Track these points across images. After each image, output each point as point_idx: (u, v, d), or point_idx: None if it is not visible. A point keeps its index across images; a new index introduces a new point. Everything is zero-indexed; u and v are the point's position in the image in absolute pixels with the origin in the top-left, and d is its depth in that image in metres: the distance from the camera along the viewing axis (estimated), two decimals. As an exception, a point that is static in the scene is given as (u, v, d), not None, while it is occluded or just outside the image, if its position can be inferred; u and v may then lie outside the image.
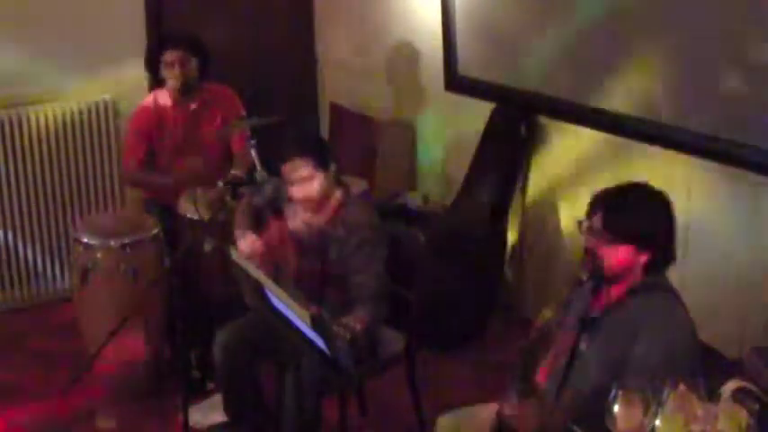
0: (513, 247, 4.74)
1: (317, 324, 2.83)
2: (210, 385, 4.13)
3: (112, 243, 4.01)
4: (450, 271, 4.47)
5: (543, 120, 4.50)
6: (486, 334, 4.60)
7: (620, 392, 2.24)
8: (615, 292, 2.68)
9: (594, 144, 4.25)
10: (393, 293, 3.53)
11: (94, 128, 4.99)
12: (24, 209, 4.91)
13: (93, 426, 3.99)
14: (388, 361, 3.66)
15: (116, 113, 5.00)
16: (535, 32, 4.42)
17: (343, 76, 5.60)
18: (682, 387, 2.18)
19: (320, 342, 2.92)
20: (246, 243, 3.57)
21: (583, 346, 2.68)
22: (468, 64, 4.78)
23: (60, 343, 4.51)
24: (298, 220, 3.63)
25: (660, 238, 2.63)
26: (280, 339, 3.35)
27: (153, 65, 4.41)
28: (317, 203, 3.51)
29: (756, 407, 2.18)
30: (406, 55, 5.16)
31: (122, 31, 5.00)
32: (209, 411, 3.96)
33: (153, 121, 4.41)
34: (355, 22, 5.48)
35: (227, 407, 3.74)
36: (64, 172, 4.97)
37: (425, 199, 5.00)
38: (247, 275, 3.21)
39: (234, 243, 3.60)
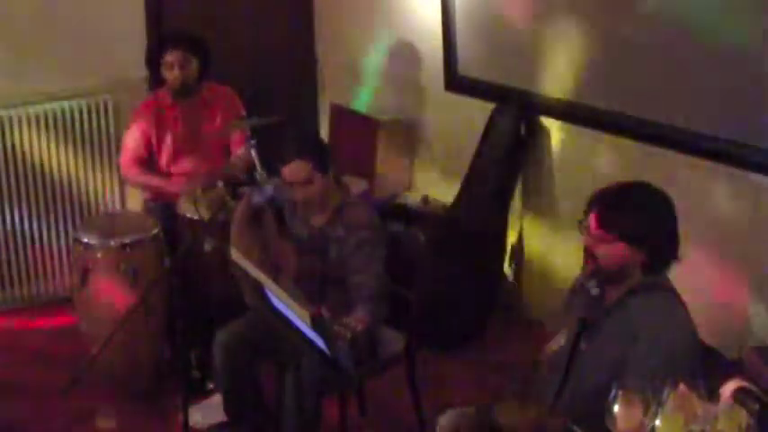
0: (513, 247, 4.74)
1: (316, 324, 2.84)
2: (210, 385, 4.13)
3: (112, 243, 4.01)
4: (451, 271, 4.47)
5: (543, 120, 4.50)
6: (486, 334, 4.60)
7: (620, 392, 2.24)
8: (615, 292, 2.68)
9: (595, 144, 4.25)
10: (393, 293, 3.53)
11: (94, 128, 4.98)
12: (24, 209, 4.91)
13: (93, 426, 3.99)
14: (388, 361, 3.66)
15: (116, 113, 4.99)
16: (535, 32, 4.42)
17: (343, 77, 5.60)
18: (682, 387, 2.18)
19: (320, 342, 2.92)
20: None
21: (583, 346, 2.68)
22: (468, 64, 4.78)
23: (60, 343, 4.51)
24: (297, 220, 3.63)
25: (657, 237, 2.62)
26: (280, 339, 3.35)
27: (153, 65, 4.41)
28: (317, 204, 3.51)
29: (756, 407, 2.18)
30: (406, 55, 5.16)
31: (122, 31, 4.99)
32: (209, 411, 3.96)
33: (153, 121, 4.41)
34: (355, 22, 5.48)
35: (227, 407, 3.74)
36: (64, 172, 4.96)
37: (425, 199, 5.00)
38: (247, 275, 3.21)
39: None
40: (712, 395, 2.21)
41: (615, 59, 4.02)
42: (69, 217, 5.00)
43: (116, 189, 5.10)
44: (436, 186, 5.13)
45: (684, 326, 2.60)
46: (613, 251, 2.61)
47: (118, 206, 5.12)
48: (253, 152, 4.20)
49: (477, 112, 4.73)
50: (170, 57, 4.30)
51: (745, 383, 2.28)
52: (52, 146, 4.90)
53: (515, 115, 4.54)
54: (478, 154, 4.69)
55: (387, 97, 5.34)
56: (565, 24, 4.24)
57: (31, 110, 4.82)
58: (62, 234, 4.99)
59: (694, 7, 3.64)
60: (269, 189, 3.76)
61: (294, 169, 3.43)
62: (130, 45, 4.99)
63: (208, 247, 3.85)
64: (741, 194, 3.66)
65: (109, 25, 4.94)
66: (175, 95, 4.39)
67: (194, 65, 4.34)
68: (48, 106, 4.85)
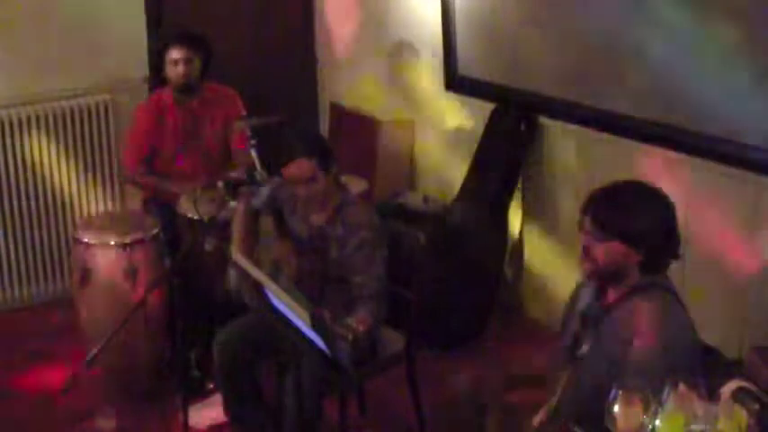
0: (513, 247, 4.74)
1: (316, 324, 2.83)
2: (210, 385, 4.13)
3: (112, 243, 4.01)
4: (451, 271, 4.47)
5: (543, 120, 4.50)
6: (486, 334, 4.60)
7: (620, 392, 2.24)
8: (614, 291, 2.68)
9: (594, 144, 4.25)
10: (393, 293, 3.53)
11: (94, 128, 4.98)
12: (24, 209, 4.91)
13: (93, 426, 3.99)
14: (388, 361, 3.66)
15: (116, 113, 4.99)
16: (535, 33, 4.41)
17: (343, 76, 5.60)
18: (682, 387, 2.18)
19: (320, 342, 2.92)
20: None
21: (583, 344, 2.68)
22: (468, 64, 4.78)
23: (60, 343, 4.51)
24: (297, 219, 3.63)
25: (654, 236, 2.61)
26: (280, 339, 3.35)
27: (157, 63, 4.42)
28: (318, 203, 3.51)
29: (756, 407, 2.18)
30: (407, 55, 5.16)
31: (122, 31, 5.00)
32: (210, 411, 3.96)
33: (154, 120, 4.41)
34: (355, 22, 5.48)
35: (227, 407, 3.74)
36: (64, 172, 4.97)
37: (425, 199, 5.00)
38: (247, 275, 3.21)
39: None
40: (712, 395, 2.20)
41: (615, 59, 4.02)
42: (69, 217, 5.00)
43: (116, 189, 5.11)
44: (436, 186, 5.13)
45: (683, 326, 2.59)
46: (610, 251, 2.61)
47: (118, 206, 5.12)
48: (253, 152, 4.20)
49: (477, 112, 4.73)
50: (175, 53, 4.30)
51: (745, 383, 2.28)
52: (52, 146, 4.90)
53: (515, 115, 4.54)
54: (478, 154, 4.69)
55: (387, 97, 5.34)
56: (565, 24, 4.24)
57: (31, 110, 4.82)
58: (62, 234, 4.99)
59: (694, 7, 3.64)
60: (266, 189, 3.76)
61: (298, 167, 3.43)
62: (130, 45, 5.00)
63: (208, 246, 3.84)
64: (741, 194, 3.66)
65: (109, 25, 4.95)
66: (178, 94, 4.39)
67: (197, 63, 4.35)
68: (48, 106, 4.85)
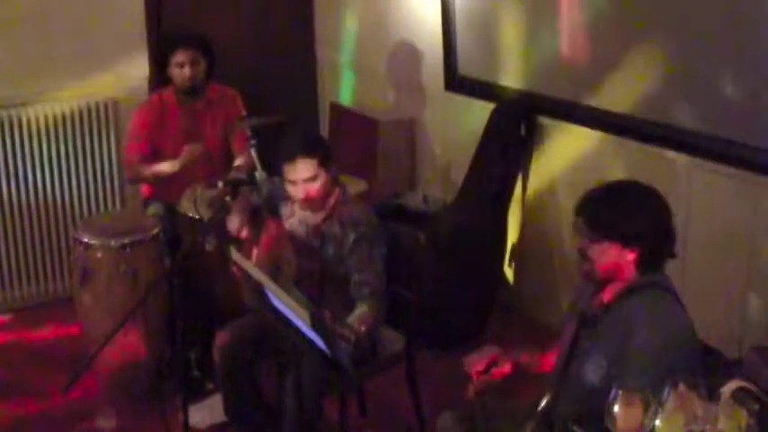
0: (513, 246, 4.74)
1: (316, 324, 2.83)
2: (210, 385, 4.13)
3: (112, 243, 4.01)
4: (450, 271, 4.47)
5: (543, 120, 4.50)
6: (486, 334, 4.60)
7: (620, 392, 2.24)
8: (612, 290, 2.68)
9: (594, 144, 4.25)
10: (393, 293, 3.53)
11: (94, 128, 4.99)
12: (24, 209, 4.91)
13: (93, 426, 3.99)
14: (388, 361, 3.66)
15: (116, 113, 5.00)
16: (535, 33, 4.42)
17: (343, 77, 5.60)
18: (682, 387, 2.18)
19: (320, 342, 2.92)
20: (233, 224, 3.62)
21: (582, 342, 2.69)
22: (468, 64, 4.78)
23: (60, 343, 4.51)
24: (295, 219, 3.63)
25: (648, 236, 2.60)
26: (280, 339, 3.35)
27: (160, 64, 4.42)
28: (317, 202, 3.51)
29: (756, 407, 2.18)
30: (407, 55, 5.16)
31: (122, 31, 5.00)
32: (209, 411, 3.96)
33: (156, 120, 4.41)
34: (355, 21, 5.49)
35: (227, 407, 3.74)
36: (64, 172, 4.97)
37: (425, 199, 5.00)
38: (247, 275, 3.21)
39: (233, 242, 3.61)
40: (712, 395, 2.20)
41: (615, 59, 4.02)
42: (69, 217, 5.00)
43: (116, 189, 5.11)
44: (436, 186, 5.13)
45: (681, 325, 2.59)
46: (606, 252, 2.61)
47: (118, 206, 5.12)
48: (253, 152, 4.20)
49: (477, 112, 4.73)
50: (181, 56, 4.31)
51: (745, 383, 2.28)
52: (52, 146, 4.90)
53: (515, 115, 4.54)
54: (478, 154, 4.69)
55: (387, 97, 5.34)
56: (564, 24, 4.24)
57: (31, 110, 4.82)
58: (62, 234, 5.00)
59: (694, 8, 3.64)
60: (265, 189, 3.76)
61: (300, 167, 3.43)
62: (130, 45, 5.01)
63: (208, 246, 3.84)
64: (741, 194, 3.66)
65: (109, 25, 4.95)
66: (181, 96, 4.40)
67: (203, 65, 4.35)
68: (48, 106, 4.86)
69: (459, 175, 4.78)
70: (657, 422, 2.17)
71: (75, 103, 4.92)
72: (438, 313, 4.35)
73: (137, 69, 5.03)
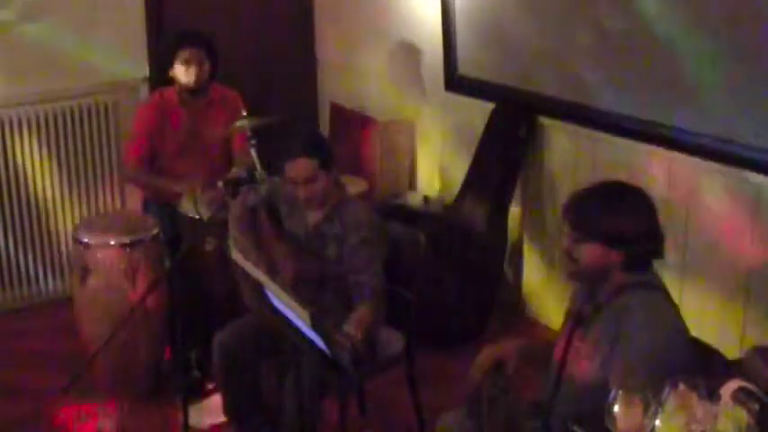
0: (513, 247, 4.74)
1: (316, 324, 2.84)
2: (210, 385, 4.13)
3: (112, 243, 4.01)
4: (451, 271, 4.47)
5: (543, 120, 4.50)
6: (486, 334, 4.60)
7: (620, 392, 2.24)
8: (604, 291, 2.68)
9: (594, 144, 4.25)
10: (393, 293, 3.53)
11: (94, 128, 4.99)
12: (24, 209, 4.91)
13: (93, 426, 3.99)
14: (387, 361, 3.66)
15: (116, 113, 5.00)
16: (535, 32, 4.42)
17: (343, 77, 5.60)
18: (682, 387, 2.18)
19: (320, 342, 2.92)
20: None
21: (576, 342, 2.69)
22: (468, 64, 4.78)
23: (60, 343, 4.51)
24: (294, 219, 3.63)
25: (633, 236, 2.59)
26: (280, 339, 3.35)
27: (163, 62, 4.41)
28: (318, 203, 3.51)
29: (756, 407, 2.18)
30: (407, 55, 5.16)
31: (122, 31, 5.00)
32: (209, 411, 3.96)
33: (158, 120, 4.41)
34: (355, 22, 5.49)
35: (227, 407, 3.74)
36: (64, 172, 4.97)
37: (425, 199, 5.00)
38: (247, 275, 3.21)
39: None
40: (712, 395, 2.20)
41: (615, 59, 4.02)
42: (69, 217, 5.00)
43: (116, 189, 5.11)
44: (436, 186, 5.13)
45: (671, 323, 2.58)
46: (590, 252, 2.61)
47: (118, 206, 5.12)
48: (253, 152, 4.20)
49: (477, 112, 4.73)
50: (188, 54, 4.30)
51: (745, 383, 2.27)
52: (52, 146, 4.90)
53: (515, 115, 4.54)
54: (478, 154, 4.69)
55: (387, 97, 5.34)
56: (565, 24, 4.24)
57: (31, 110, 4.82)
58: (62, 234, 5.00)
59: (695, 8, 3.64)
60: (264, 188, 3.76)
61: (300, 167, 3.43)
62: (130, 45, 5.00)
63: (208, 246, 3.85)
64: (741, 194, 3.66)
65: (109, 25, 4.95)
66: (184, 95, 4.39)
67: (207, 66, 4.36)
68: (48, 106, 4.86)
69: (459, 175, 4.78)
70: (657, 422, 2.17)
71: (75, 103, 4.92)
72: (438, 313, 4.36)
73: (137, 69, 5.03)
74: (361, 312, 3.35)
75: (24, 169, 4.87)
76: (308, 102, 5.76)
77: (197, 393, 4.08)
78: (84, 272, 4.02)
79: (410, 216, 4.69)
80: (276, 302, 3.06)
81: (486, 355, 2.90)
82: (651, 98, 3.90)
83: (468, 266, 4.53)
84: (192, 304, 3.95)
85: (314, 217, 3.56)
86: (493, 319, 4.65)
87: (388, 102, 5.33)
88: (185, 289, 3.86)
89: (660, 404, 2.18)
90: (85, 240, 4.03)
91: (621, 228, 2.59)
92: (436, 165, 5.16)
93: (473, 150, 4.70)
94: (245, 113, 4.50)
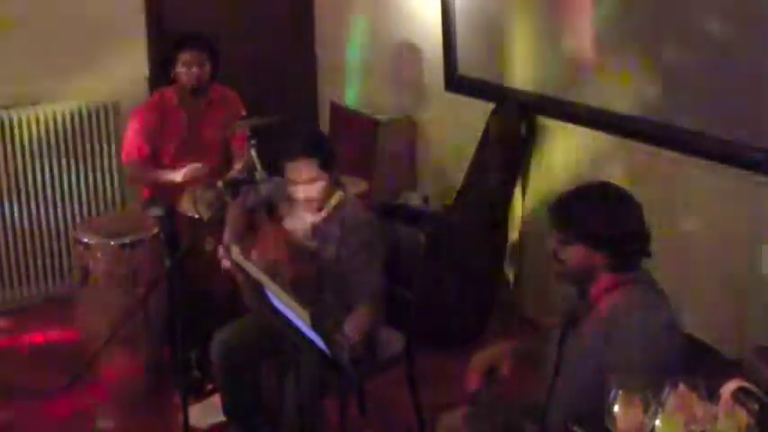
0: (513, 247, 4.74)
1: (316, 324, 2.83)
2: (210, 385, 4.13)
3: (112, 243, 4.01)
4: (451, 271, 4.47)
5: (543, 120, 4.50)
6: (486, 334, 4.60)
7: (620, 392, 2.24)
8: (593, 291, 2.68)
9: (594, 144, 4.25)
10: (393, 293, 3.53)
11: (95, 128, 4.99)
12: (24, 209, 4.91)
13: (92, 426, 3.99)
14: (387, 361, 3.66)
15: (116, 114, 5.00)
16: (535, 32, 4.42)
17: (342, 77, 5.60)
18: (682, 387, 2.18)
19: (320, 342, 2.92)
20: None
21: (569, 343, 2.69)
22: (468, 64, 4.78)
23: (60, 343, 4.51)
24: (294, 219, 3.63)
25: (617, 237, 2.60)
26: (280, 339, 3.35)
27: (165, 62, 4.41)
28: (318, 203, 3.51)
29: (756, 407, 2.18)
30: (406, 55, 5.16)
31: (122, 31, 5.00)
32: (209, 411, 3.96)
33: (157, 120, 4.41)
34: (355, 22, 5.48)
35: (226, 407, 3.74)
36: (64, 172, 4.97)
37: (425, 199, 5.00)
38: (247, 275, 3.21)
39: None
40: (712, 395, 2.20)
41: (615, 59, 4.02)
42: (69, 217, 5.00)
43: (116, 189, 5.11)
44: (436, 186, 5.13)
45: (662, 321, 2.57)
46: (574, 253, 2.62)
47: (118, 206, 5.12)
48: (253, 152, 4.20)
49: (478, 112, 4.73)
50: (189, 56, 4.31)
51: (745, 383, 2.27)
52: (53, 146, 4.90)
53: (515, 115, 4.54)
54: (478, 154, 4.69)
55: (387, 97, 5.34)
56: (565, 24, 4.24)
57: (31, 110, 4.82)
58: (62, 234, 4.99)
59: (695, 8, 3.64)
60: (264, 188, 3.75)
61: (301, 167, 3.43)
62: (130, 45, 5.00)
63: (208, 246, 3.84)
64: (741, 194, 3.66)
65: (109, 25, 4.95)
66: (185, 96, 4.39)
67: (208, 68, 4.36)
68: (48, 106, 4.86)
69: (459, 175, 4.78)
70: (657, 422, 2.17)
71: (76, 104, 4.92)
72: (438, 313, 4.35)
73: (137, 70, 5.03)
74: (360, 315, 3.34)
75: (24, 169, 4.86)
76: (308, 102, 5.76)
77: (197, 393, 4.08)
78: (84, 272, 4.02)
79: (410, 216, 4.69)
80: (276, 302, 3.06)
81: (479, 359, 2.91)
82: (651, 98, 3.90)
83: (468, 266, 4.53)
84: (192, 304, 3.94)
85: (314, 217, 3.55)
86: (493, 319, 4.65)
87: (388, 102, 5.33)
88: (185, 289, 3.86)
89: (660, 404, 2.18)
90: (85, 240, 4.03)
91: (606, 228, 2.60)
92: (436, 165, 5.16)
93: (473, 150, 4.70)
94: (244, 113, 4.50)
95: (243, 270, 3.25)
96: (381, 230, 3.52)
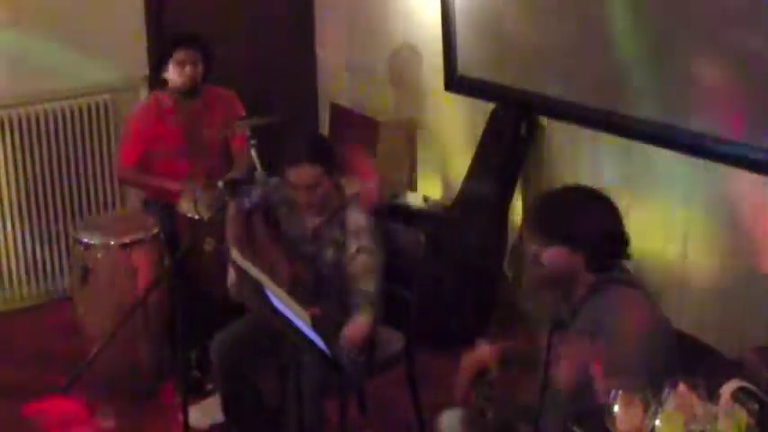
0: (513, 246, 4.74)
1: (316, 324, 2.83)
2: (210, 385, 4.13)
3: (112, 243, 4.01)
4: (451, 271, 4.47)
5: (543, 120, 4.50)
6: (486, 334, 4.59)
7: (620, 392, 2.24)
8: (577, 293, 2.68)
9: (594, 144, 4.25)
10: (393, 293, 3.52)
11: (94, 128, 4.98)
12: (24, 209, 4.91)
13: (93, 426, 3.99)
14: (387, 361, 3.66)
15: (116, 113, 4.99)
16: (535, 32, 4.41)
17: (342, 77, 5.60)
18: (682, 387, 2.18)
19: (320, 342, 2.92)
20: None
21: (556, 347, 2.69)
22: (468, 64, 4.78)
23: (60, 343, 4.51)
24: (293, 221, 3.62)
25: (592, 238, 2.61)
26: (280, 340, 3.34)
27: (159, 63, 4.41)
28: (318, 207, 3.51)
29: (756, 407, 2.18)
30: (407, 55, 5.16)
31: (122, 31, 5.00)
32: (209, 411, 3.96)
33: (152, 123, 4.40)
34: (355, 22, 5.48)
35: (226, 408, 3.73)
36: (64, 172, 4.96)
37: (425, 199, 5.00)
38: (247, 275, 3.20)
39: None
40: (712, 395, 2.20)
41: (615, 59, 4.02)
42: (69, 217, 5.00)
43: (116, 189, 5.11)
44: (436, 186, 5.13)
45: (646, 319, 2.57)
46: (553, 256, 2.62)
47: (118, 206, 5.12)
48: (253, 152, 4.20)
49: (478, 112, 4.73)
50: (183, 55, 4.30)
51: (745, 383, 2.28)
52: (52, 146, 4.90)
53: (515, 115, 4.53)
54: (478, 154, 4.69)
55: (387, 97, 5.34)
56: (565, 24, 4.24)
57: (31, 110, 4.82)
58: (62, 234, 4.99)
59: (695, 8, 3.64)
60: (258, 191, 3.75)
61: (304, 173, 3.41)
62: (130, 45, 5.00)
63: (208, 247, 3.84)
64: (741, 195, 3.66)
65: (109, 25, 4.94)
66: (179, 97, 4.39)
67: (201, 67, 4.35)
68: (48, 106, 4.85)
69: (459, 175, 4.78)
70: (657, 422, 2.17)
71: (75, 103, 4.91)
72: (438, 313, 4.35)
73: (136, 69, 5.02)
74: (358, 324, 3.34)
75: (24, 169, 4.86)
76: (308, 102, 5.76)
77: (197, 393, 4.08)
78: (84, 272, 4.03)
79: (410, 216, 4.69)
80: (276, 302, 3.06)
81: (467, 362, 2.90)
82: (651, 98, 3.90)
83: (468, 266, 4.53)
84: (192, 304, 3.94)
85: (314, 220, 3.55)
86: (493, 319, 4.65)
87: (388, 102, 5.33)
88: (185, 289, 3.86)
89: (660, 404, 2.18)
90: (85, 240, 4.03)
91: (582, 231, 2.61)
92: (436, 165, 5.16)
93: (473, 150, 4.70)
94: (244, 113, 4.50)
95: (240, 269, 3.24)
96: (381, 235, 3.51)
